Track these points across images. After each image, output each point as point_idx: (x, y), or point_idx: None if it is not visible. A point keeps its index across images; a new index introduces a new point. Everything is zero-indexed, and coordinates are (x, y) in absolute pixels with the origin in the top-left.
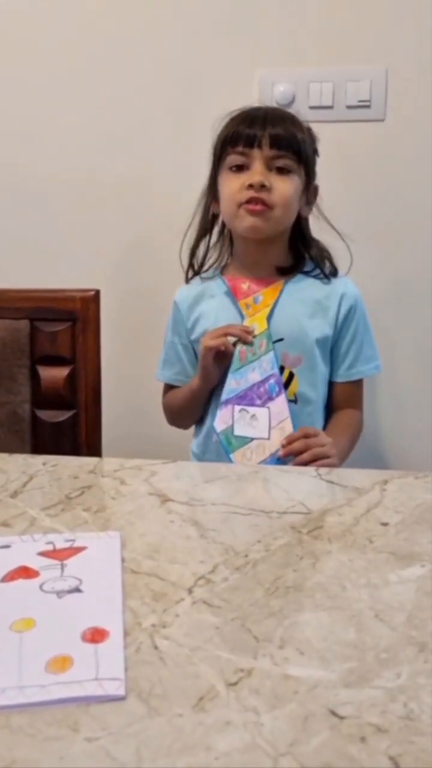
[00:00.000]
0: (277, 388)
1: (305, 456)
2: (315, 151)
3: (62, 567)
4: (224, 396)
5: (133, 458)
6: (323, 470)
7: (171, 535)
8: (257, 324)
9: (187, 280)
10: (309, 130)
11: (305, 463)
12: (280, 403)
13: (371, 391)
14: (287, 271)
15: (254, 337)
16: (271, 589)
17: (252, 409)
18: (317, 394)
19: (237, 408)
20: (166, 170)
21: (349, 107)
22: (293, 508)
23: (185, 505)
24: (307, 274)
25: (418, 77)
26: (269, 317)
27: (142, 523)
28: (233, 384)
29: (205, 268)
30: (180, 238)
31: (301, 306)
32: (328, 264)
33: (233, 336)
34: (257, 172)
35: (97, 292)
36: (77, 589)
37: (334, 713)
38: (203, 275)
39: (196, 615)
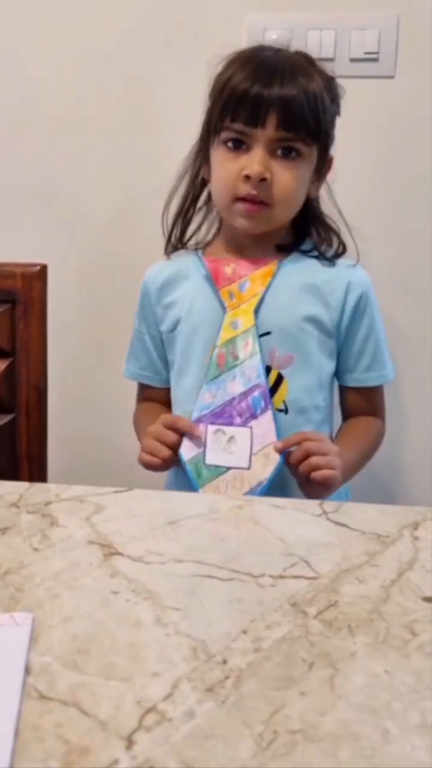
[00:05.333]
0: (262, 403)
1: (303, 467)
2: (337, 110)
3: None
4: (195, 413)
5: (84, 476)
6: (330, 506)
7: (111, 619)
8: (242, 319)
9: (167, 254)
10: (330, 82)
11: (302, 477)
12: (266, 423)
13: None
14: (288, 249)
15: (241, 333)
16: (265, 737)
17: (230, 430)
18: (313, 401)
19: (211, 428)
20: (140, 126)
21: (353, 60)
22: (293, 568)
23: (138, 562)
24: (304, 253)
25: None
26: (257, 309)
27: (69, 595)
28: (207, 397)
29: (187, 240)
30: (155, 199)
31: (295, 292)
32: (335, 242)
33: (181, 431)
34: (257, 160)
35: (44, 267)
36: None
37: None
38: (182, 251)
39: None
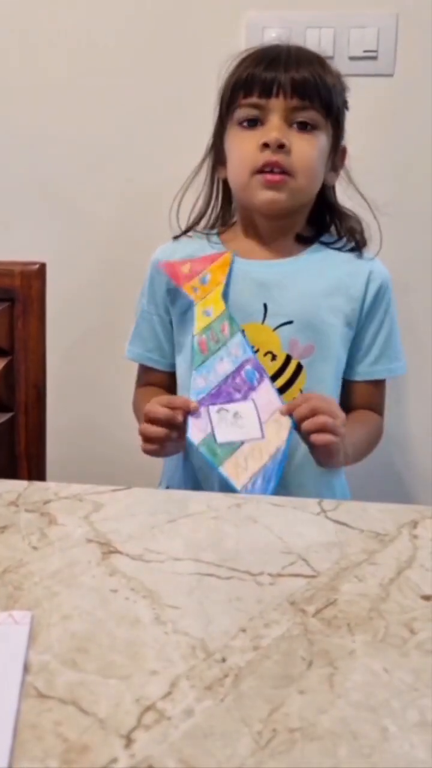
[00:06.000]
0: (257, 374)
1: (308, 424)
2: (345, 103)
3: None
4: (193, 396)
5: (83, 474)
6: (329, 505)
7: (110, 617)
8: (212, 306)
9: (177, 238)
10: (339, 75)
11: (307, 434)
12: (266, 391)
13: (395, 396)
14: (308, 240)
15: (214, 320)
16: (265, 735)
17: (232, 406)
18: (326, 392)
19: (213, 409)
20: (139, 123)
21: (352, 59)
22: (292, 566)
23: (137, 561)
24: (327, 245)
25: None
26: (225, 294)
27: (68, 594)
28: (200, 382)
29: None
30: (154, 197)
31: (318, 282)
32: (357, 236)
33: (178, 409)
34: (274, 127)
35: (42, 266)
36: None
37: None
38: (193, 233)
39: None
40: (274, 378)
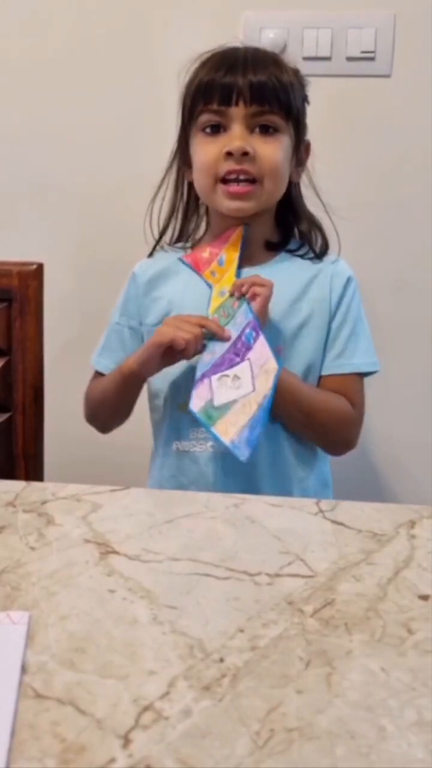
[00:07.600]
0: (254, 334)
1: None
2: (305, 99)
3: None
4: (198, 372)
5: (80, 475)
6: (326, 505)
7: (108, 617)
8: (227, 287)
9: (151, 255)
10: (297, 72)
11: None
12: (260, 347)
13: (384, 396)
14: (277, 247)
15: (228, 298)
16: (262, 735)
17: (232, 371)
18: None
19: (215, 377)
20: (133, 125)
21: (349, 59)
22: (290, 566)
23: (135, 561)
24: (292, 252)
25: (431, 26)
26: (238, 270)
27: (66, 594)
28: (207, 357)
29: (172, 240)
30: (147, 198)
31: (286, 288)
32: (319, 240)
33: (209, 330)
34: (236, 136)
35: (40, 266)
36: None
37: None
38: (168, 247)
39: None
40: None
